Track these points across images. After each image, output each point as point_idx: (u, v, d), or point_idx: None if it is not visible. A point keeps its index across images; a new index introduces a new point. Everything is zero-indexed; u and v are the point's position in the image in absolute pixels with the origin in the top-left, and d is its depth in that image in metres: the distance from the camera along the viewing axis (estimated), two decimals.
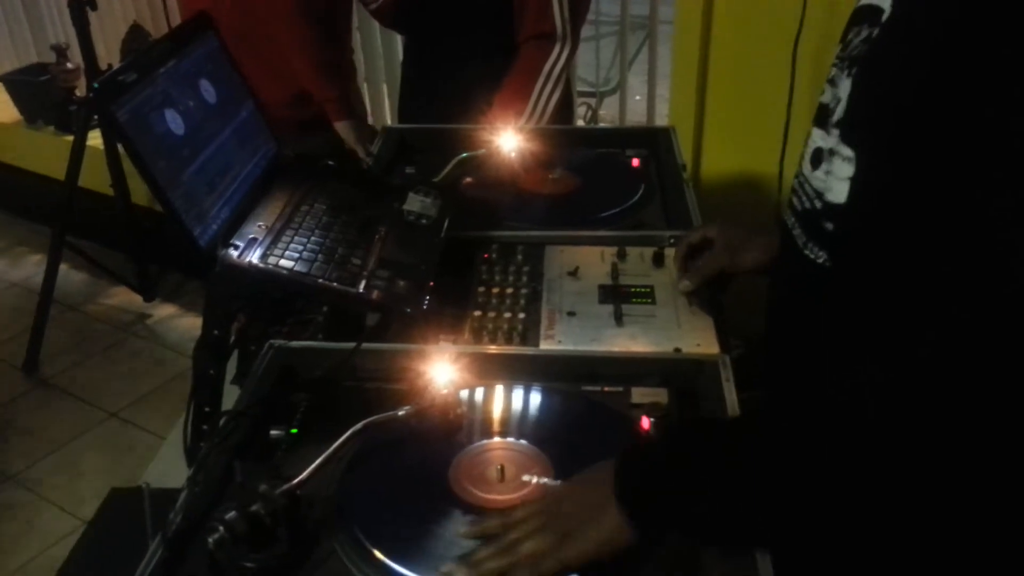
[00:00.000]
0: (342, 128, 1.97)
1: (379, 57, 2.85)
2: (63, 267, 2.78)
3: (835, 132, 0.75)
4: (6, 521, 2.19)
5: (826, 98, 0.79)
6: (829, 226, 0.76)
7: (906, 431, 0.64)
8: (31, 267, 3.25)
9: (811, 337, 0.82)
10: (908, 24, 0.69)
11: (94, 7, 2.53)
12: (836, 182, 0.74)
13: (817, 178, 0.78)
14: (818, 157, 0.79)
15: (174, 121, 1.04)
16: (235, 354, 1.16)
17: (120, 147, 2.76)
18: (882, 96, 0.70)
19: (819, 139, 0.79)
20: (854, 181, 0.72)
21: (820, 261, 0.78)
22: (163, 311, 2.98)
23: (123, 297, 3.02)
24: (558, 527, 0.77)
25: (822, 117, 0.79)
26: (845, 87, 0.74)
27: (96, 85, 0.93)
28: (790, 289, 0.86)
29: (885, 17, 0.71)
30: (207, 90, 1.13)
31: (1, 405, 2.57)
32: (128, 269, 2.98)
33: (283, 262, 1.07)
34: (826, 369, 0.75)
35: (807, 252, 0.79)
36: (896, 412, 0.65)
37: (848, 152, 0.73)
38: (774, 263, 0.95)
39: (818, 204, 0.78)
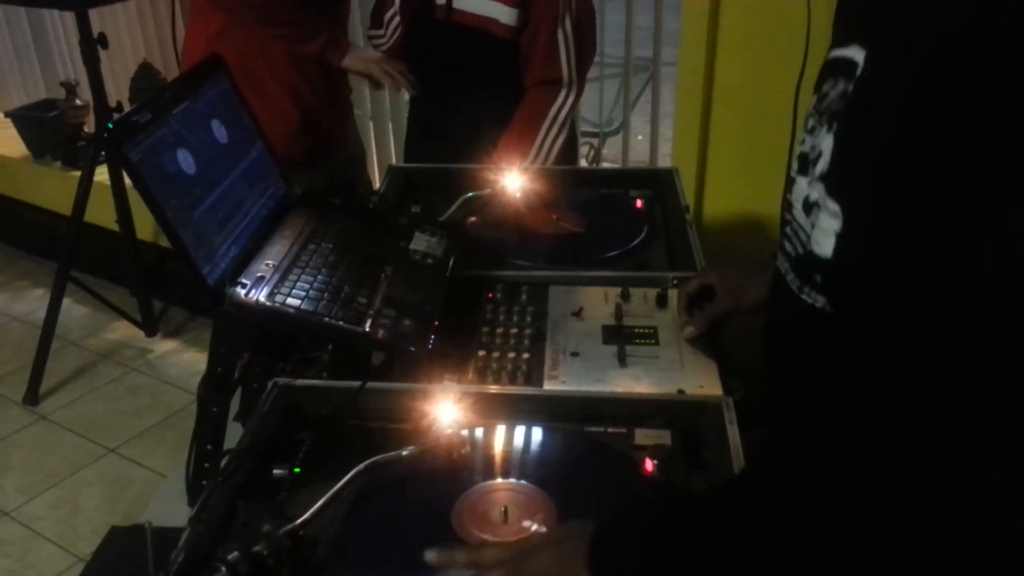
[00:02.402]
0: (351, 60, 1.90)
1: (385, 96, 2.88)
2: (66, 301, 2.78)
3: (819, 185, 0.76)
4: (1, 558, 2.17)
5: (806, 147, 0.80)
6: (818, 278, 0.77)
7: (923, 475, 0.64)
8: (34, 301, 3.26)
9: (812, 379, 0.82)
10: (883, 80, 0.70)
11: (105, 46, 2.57)
12: (822, 235, 0.75)
13: (802, 225, 0.79)
14: (805, 204, 0.80)
15: (186, 161, 1.05)
16: (238, 391, 1.16)
17: (128, 183, 2.79)
18: (863, 154, 0.71)
19: (801, 185, 0.80)
20: (840, 237, 0.73)
21: (819, 306, 0.78)
22: (165, 347, 2.98)
23: (125, 332, 3.02)
24: None
25: (804, 165, 0.80)
26: (827, 142, 0.75)
27: (111, 125, 0.94)
28: (787, 332, 0.86)
29: (859, 71, 0.72)
30: (219, 130, 1.15)
31: (1, 439, 2.56)
32: (131, 304, 2.98)
33: (290, 300, 1.07)
34: (830, 411, 0.75)
35: (804, 297, 0.80)
36: (911, 459, 0.64)
37: (834, 207, 0.73)
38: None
39: (803, 252, 0.79)
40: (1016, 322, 0.60)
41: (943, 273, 0.62)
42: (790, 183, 0.84)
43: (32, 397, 2.70)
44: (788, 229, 0.84)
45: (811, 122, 0.80)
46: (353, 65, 1.90)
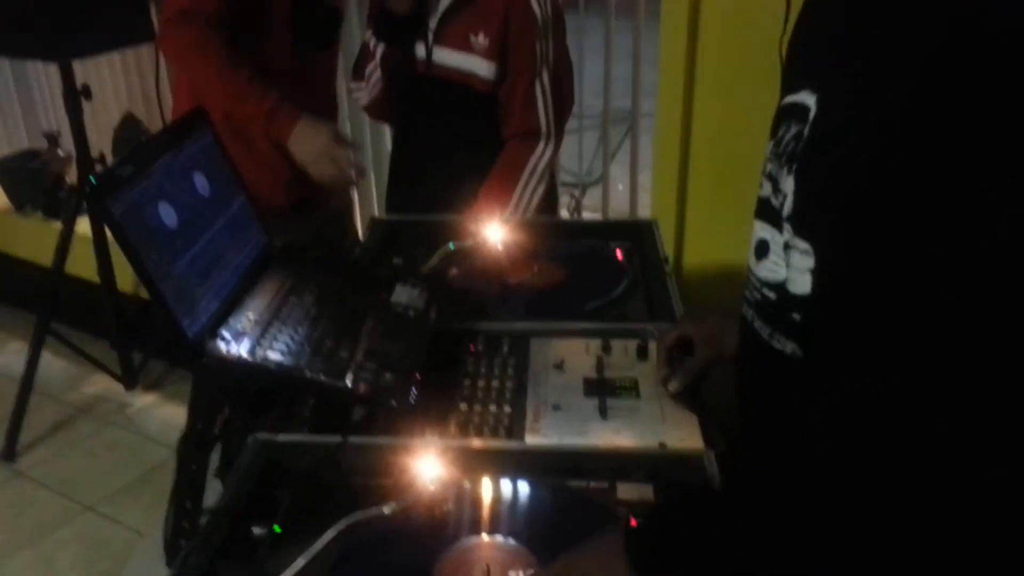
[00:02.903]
0: (297, 143, 1.75)
1: (368, 147, 2.90)
2: (45, 354, 2.74)
3: (787, 227, 0.78)
4: None
5: (765, 192, 0.83)
6: (796, 316, 0.78)
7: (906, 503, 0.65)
8: (11, 354, 3.22)
9: (784, 425, 0.83)
10: (837, 121, 0.73)
11: (89, 97, 2.58)
12: (798, 274, 0.77)
13: (765, 269, 0.81)
14: (763, 249, 0.82)
15: (168, 214, 1.05)
16: (218, 446, 1.15)
17: (109, 235, 2.78)
18: (827, 191, 0.74)
19: (761, 231, 0.82)
20: (815, 272, 0.75)
21: (788, 352, 0.79)
22: (144, 400, 2.94)
23: (104, 385, 2.99)
24: None
25: (765, 211, 0.82)
26: (788, 184, 0.78)
27: (93, 180, 0.95)
28: (757, 380, 0.87)
29: (812, 115, 0.75)
30: (201, 183, 1.15)
31: None
32: (110, 357, 2.96)
33: (271, 354, 1.07)
34: (807, 453, 0.75)
35: (774, 343, 0.81)
36: (909, 465, 0.65)
37: (804, 245, 0.76)
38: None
39: (773, 295, 0.80)
40: (990, 333, 0.62)
41: (919, 294, 0.65)
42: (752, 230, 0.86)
43: (9, 452, 2.65)
44: (748, 277, 0.86)
45: (769, 167, 0.83)
46: (302, 153, 1.75)
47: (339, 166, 1.78)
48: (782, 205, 0.79)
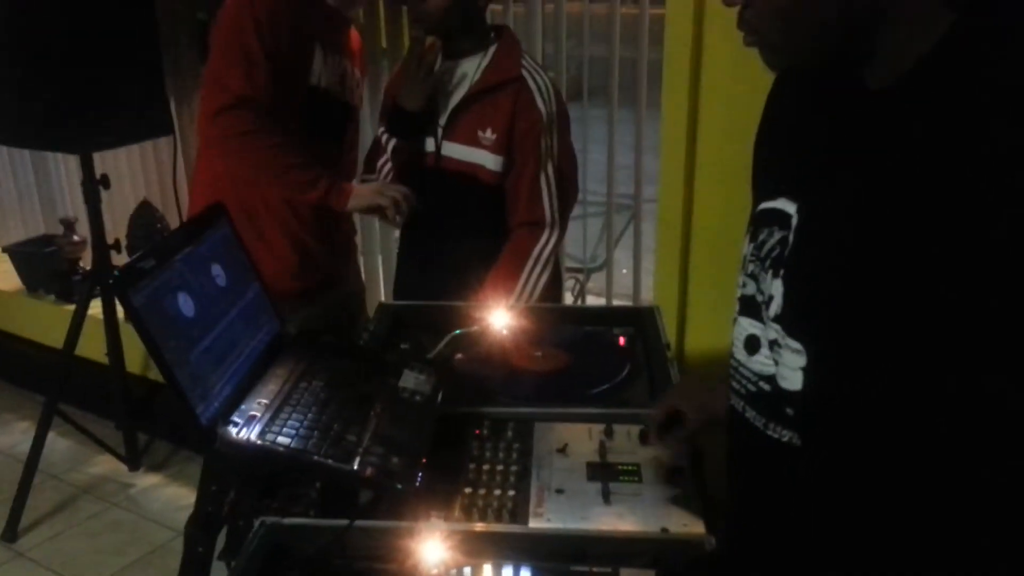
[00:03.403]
0: (356, 203, 1.88)
1: (375, 231, 2.97)
2: (50, 434, 2.76)
3: (774, 326, 0.81)
4: None
5: (749, 291, 0.87)
6: (789, 411, 0.81)
7: None
8: (17, 434, 3.24)
9: (781, 511, 0.85)
10: (824, 229, 0.77)
11: (107, 186, 2.67)
12: (788, 371, 0.80)
13: (757, 363, 0.84)
14: (753, 344, 0.85)
15: (186, 304, 1.10)
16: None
17: (121, 317, 2.84)
18: (818, 294, 0.77)
19: (750, 327, 0.86)
20: (807, 371, 0.78)
21: (785, 440, 0.82)
22: (147, 480, 2.94)
23: (108, 466, 2.99)
24: None
25: (750, 308, 0.86)
26: (775, 286, 0.82)
27: (117, 273, 0.99)
28: (753, 467, 0.89)
29: (795, 222, 0.80)
30: (218, 273, 1.20)
31: None
32: (115, 437, 2.97)
33: (280, 439, 1.10)
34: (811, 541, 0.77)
35: (770, 432, 0.84)
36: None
37: (796, 345, 0.79)
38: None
39: (767, 387, 0.83)
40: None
41: (913, 387, 0.68)
42: (734, 324, 0.90)
43: (11, 534, 2.65)
44: (731, 368, 0.89)
45: (751, 267, 0.87)
46: (357, 206, 1.89)
47: (389, 197, 1.86)
48: (767, 305, 0.83)
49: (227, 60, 1.85)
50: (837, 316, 0.75)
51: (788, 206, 0.81)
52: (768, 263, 0.83)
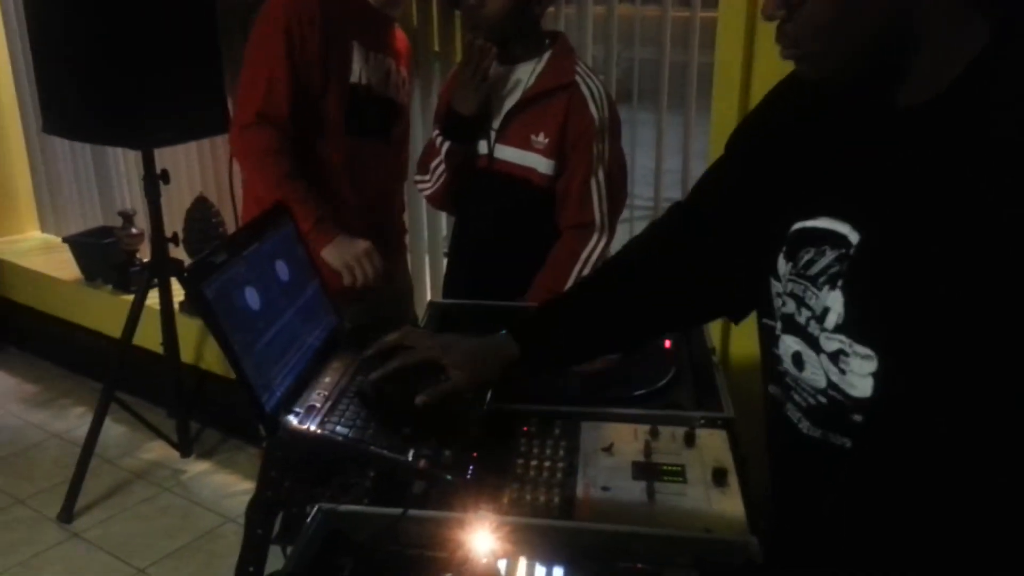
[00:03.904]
0: (329, 252, 1.94)
1: (424, 229, 3.02)
2: (104, 420, 2.86)
3: (837, 337, 0.84)
4: None
5: (788, 309, 0.89)
6: (857, 417, 0.83)
7: None
8: (73, 419, 3.35)
9: (839, 517, 0.87)
10: (882, 244, 0.80)
11: (167, 181, 2.75)
12: (857, 379, 0.82)
13: (808, 377, 0.86)
14: (798, 361, 0.88)
15: (252, 298, 1.15)
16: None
17: (176, 307, 2.92)
18: (889, 304, 0.79)
19: (796, 345, 0.89)
20: (878, 376, 0.80)
21: (848, 447, 0.84)
22: (198, 467, 3.03)
23: (160, 452, 3.09)
24: None
25: (793, 326, 0.88)
26: (831, 299, 0.84)
27: (190, 266, 1.04)
28: (807, 476, 0.92)
29: (857, 240, 0.82)
30: (281, 270, 1.25)
31: (33, 555, 2.60)
32: (168, 425, 3.06)
33: (339, 429, 1.14)
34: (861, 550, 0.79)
35: (832, 440, 0.86)
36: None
37: (866, 351, 0.81)
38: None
39: (824, 400, 0.85)
40: None
41: (977, 396, 0.70)
42: (774, 340, 0.92)
43: (66, 515, 2.75)
44: (787, 381, 0.91)
45: (790, 286, 0.88)
46: (327, 257, 1.94)
47: (359, 275, 1.95)
48: (820, 318, 0.85)
49: (252, 76, 1.94)
50: (907, 325, 0.77)
51: (839, 226, 0.83)
52: (823, 279, 0.85)
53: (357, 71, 2.00)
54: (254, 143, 1.94)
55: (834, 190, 0.86)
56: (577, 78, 1.85)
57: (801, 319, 0.87)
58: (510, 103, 1.88)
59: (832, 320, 0.84)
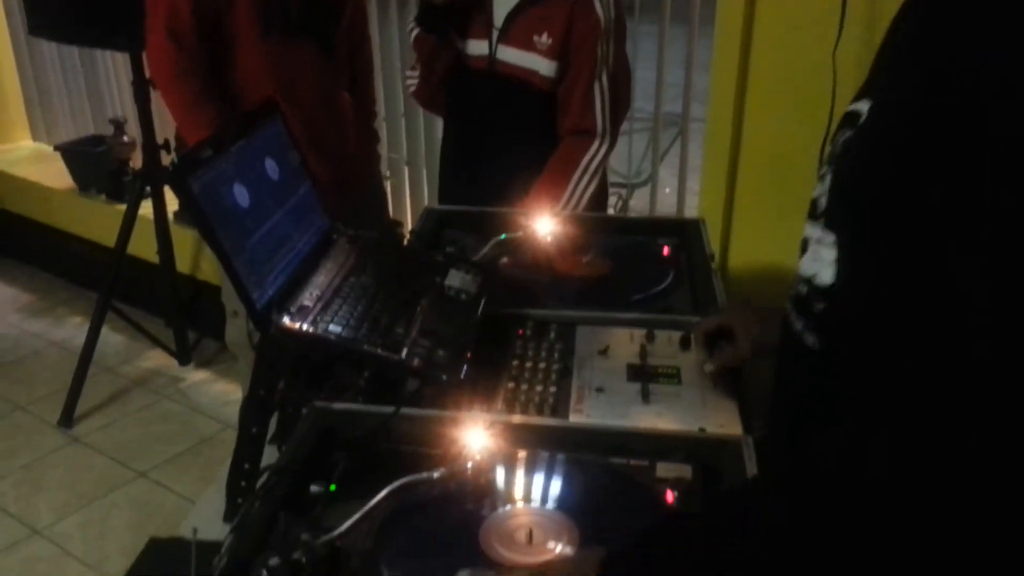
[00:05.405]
0: None
1: (420, 139, 2.98)
2: (103, 328, 2.87)
3: (820, 222, 0.83)
4: (30, 574, 2.22)
5: (816, 192, 0.87)
6: (819, 306, 0.82)
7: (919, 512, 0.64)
8: (71, 328, 3.36)
9: (811, 418, 0.86)
10: (878, 120, 0.77)
11: (156, 86, 2.68)
12: (824, 266, 0.82)
13: (803, 265, 0.85)
14: (804, 246, 0.86)
15: (241, 195, 1.12)
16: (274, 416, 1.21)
17: (171, 216, 2.89)
18: (854, 186, 0.77)
19: (808, 230, 0.86)
20: (838, 262, 0.79)
21: (809, 343, 0.83)
22: (197, 376, 3.05)
23: (159, 361, 3.10)
24: None
25: (812, 210, 0.86)
26: (827, 183, 0.82)
27: (175, 160, 1.02)
28: (789, 375, 0.91)
29: (861, 120, 0.79)
30: (271, 168, 1.22)
31: (35, 459, 2.63)
32: (166, 334, 3.07)
33: (332, 327, 1.13)
34: (825, 444, 0.77)
35: (803, 337, 0.85)
36: (907, 493, 0.64)
37: (830, 237, 0.80)
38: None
39: (804, 289, 0.84)
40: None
41: (931, 289, 0.67)
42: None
43: (67, 420, 2.78)
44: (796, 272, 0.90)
45: (823, 169, 0.86)
46: None
47: None
48: (821, 201, 0.83)
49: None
50: (868, 207, 0.74)
51: (863, 106, 0.80)
52: (832, 161, 0.83)
53: None
54: (166, 67, 1.90)
55: (873, 71, 0.83)
56: None
57: (817, 203, 0.85)
58: (513, 2, 1.81)
59: (821, 205, 0.82)
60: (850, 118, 0.83)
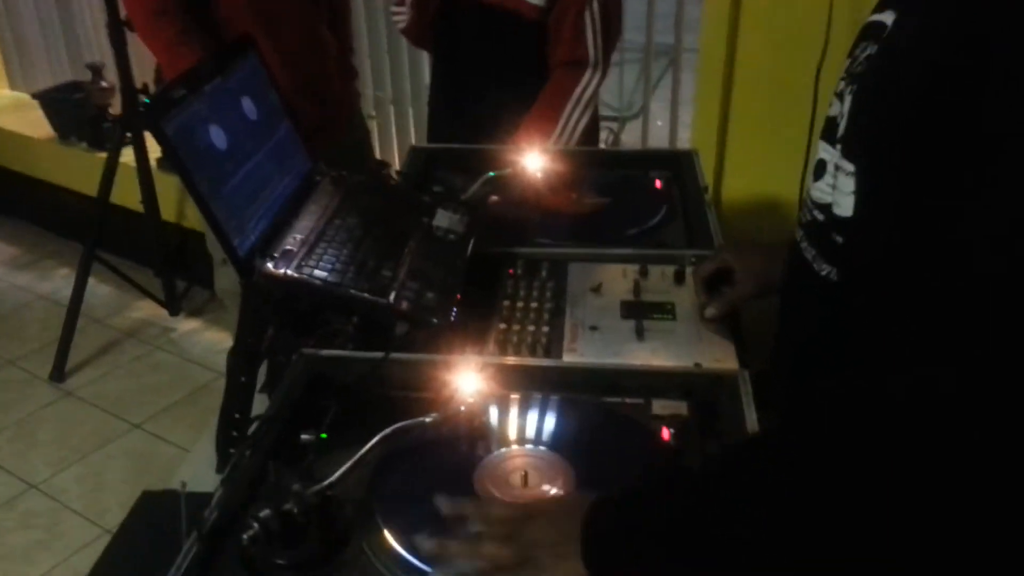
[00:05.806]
0: None
1: (406, 78, 2.91)
2: (91, 280, 2.83)
3: (838, 147, 0.78)
4: (29, 529, 2.22)
5: (834, 111, 0.82)
6: (838, 239, 0.78)
7: (977, 436, 0.58)
8: (59, 280, 3.32)
9: (823, 351, 0.84)
10: (903, 42, 0.71)
11: (132, 28, 2.60)
12: (842, 196, 0.77)
13: (818, 190, 0.81)
14: (820, 169, 0.81)
15: (218, 136, 1.08)
16: (264, 365, 1.19)
17: (154, 163, 2.83)
18: (879, 111, 0.72)
19: (823, 152, 0.82)
20: (857, 194, 0.75)
21: (824, 274, 0.80)
22: (188, 325, 3.03)
23: (149, 311, 3.07)
24: (520, 547, 0.75)
25: (829, 131, 0.81)
26: (848, 103, 0.77)
27: (147, 100, 0.97)
28: (800, 304, 0.88)
29: (886, 33, 0.74)
30: (249, 108, 1.18)
31: (28, 414, 2.62)
32: (154, 284, 3.03)
33: (317, 272, 1.10)
34: (852, 378, 0.71)
35: (815, 266, 0.81)
36: (963, 416, 0.59)
37: (849, 167, 0.76)
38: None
39: (821, 216, 0.80)
40: None
41: (950, 228, 0.63)
42: (815, 150, 0.86)
43: (58, 374, 2.76)
44: (804, 197, 0.86)
45: (841, 85, 0.81)
46: None
47: None
48: (840, 124, 0.78)
49: None
50: (890, 138, 0.70)
51: (888, 17, 0.75)
52: (852, 78, 0.78)
53: None
54: (161, 37, 1.81)
55: None
56: None
57: (837, 120, 0.80)
58: None
59: (841, 128, 0.78)
60: (872, 29, 0.77)
